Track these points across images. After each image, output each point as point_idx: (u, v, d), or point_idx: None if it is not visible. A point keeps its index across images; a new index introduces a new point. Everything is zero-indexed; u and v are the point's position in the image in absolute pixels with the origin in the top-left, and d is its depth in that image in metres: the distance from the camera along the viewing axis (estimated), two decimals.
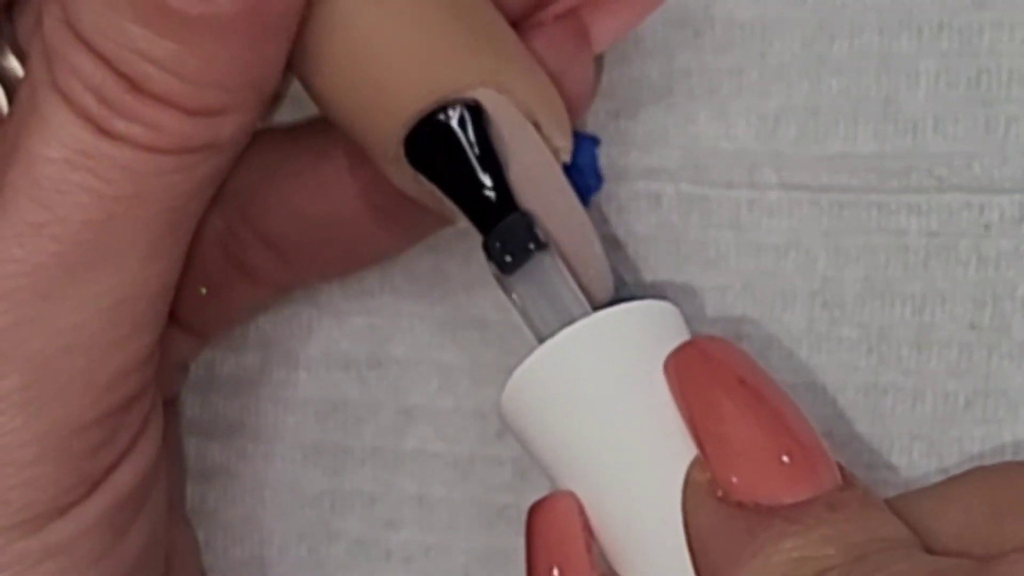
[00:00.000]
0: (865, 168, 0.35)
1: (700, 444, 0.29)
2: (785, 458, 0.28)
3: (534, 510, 0.30)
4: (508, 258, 0.30)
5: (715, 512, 0.28)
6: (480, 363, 0.37)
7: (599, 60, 0.35)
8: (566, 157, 0.31)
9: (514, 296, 0.31)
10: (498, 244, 0.30)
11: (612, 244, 0.36)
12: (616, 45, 0.35)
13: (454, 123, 0.30)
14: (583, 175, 0.34)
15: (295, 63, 0.30)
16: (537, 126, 0.31)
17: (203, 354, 0.39)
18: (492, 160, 0.30)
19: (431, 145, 0.30)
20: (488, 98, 0.30)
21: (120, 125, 0.29)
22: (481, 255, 0.36)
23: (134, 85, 0.29)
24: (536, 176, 0.31)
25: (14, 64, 0.35)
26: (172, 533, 0.35)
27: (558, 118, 0.31)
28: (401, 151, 0.30)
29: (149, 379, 0.31)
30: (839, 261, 0.35)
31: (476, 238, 0.36)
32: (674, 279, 0.36)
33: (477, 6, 0.31)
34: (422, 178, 0.31)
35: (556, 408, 0.29)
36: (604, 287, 0.32)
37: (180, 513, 0.37)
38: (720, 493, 0.28)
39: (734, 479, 0.28)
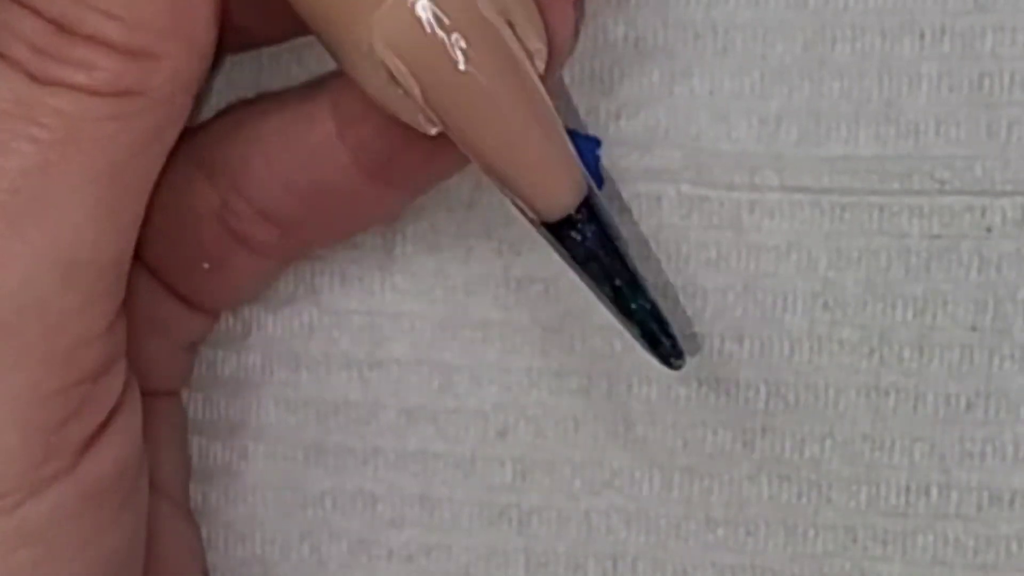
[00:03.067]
0: (866, 170, 0.35)
1: None
2: None
3: None
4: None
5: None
6: (481, 363, 0.37)
7: (582, 17, 0.35)
8: (541, 63, 0.31)
9: None
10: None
11: None
12: (616, 47, 0.35)
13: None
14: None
15: None
16: (512, 26, 0.31)
17: (205, 353, 0.39)
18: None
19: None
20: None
21: (53, 69, 0.29)
22: (481, 255, 0.36)
23: (63, 28, 0.29)
24: None
25: None
26: (175, 530, 0.35)
27: (533, 20, 0.31)
28: (374, 48, 0.30)
29: (115, 354, 0.31)
30: (840, 263, 0.35)
31: (478, 236, 0.36)
32: (675, 280, 0.36)
33: None
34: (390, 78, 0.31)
35: None
36: None
37: (184, 510, 0.38)
38: None
39: None
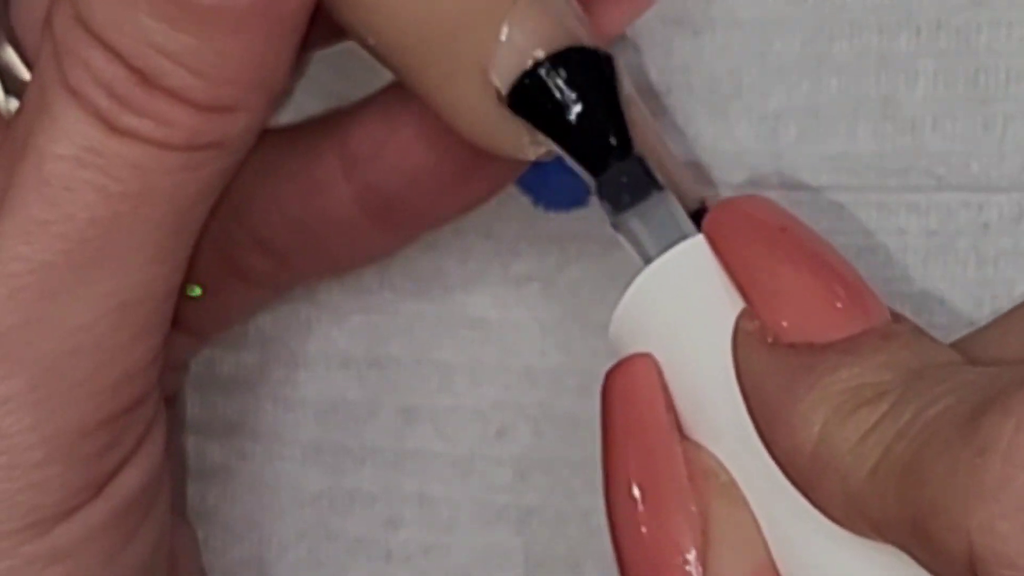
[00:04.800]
0: (864, 167, 0.35)
1: (746, 294, 0.28)
2: (834, 296, 0.28)
3: (612, 373, 0.30)
4: (627, 199, 0.30)
5: (767, 356, 0.28)
6: (479, 362, 0.37)
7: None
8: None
9: (625, 231, 0.30)
10: (617, 186, 0.30)
11: (611, 243, 0.36)
12: (614, 45, 0.35)
13: (579, 69, 0.30)
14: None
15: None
16: None
17: (203, 353, 0.39)
18: (617, 105, 0.30)
19: (545, 92, 0.30)
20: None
21: (130, 120, 0.29)
22: (479, 253, 0.36)
23: (146, 80, 0.29)
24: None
25: (10, 55, 0.35)
26: (174, 533, 0.35)
27: None
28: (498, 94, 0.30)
29: (153, 382, 0.31)
30: None
31: (476, 235, 0.36)
32: None
33: None
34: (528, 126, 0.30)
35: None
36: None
37: (181, 513, 0.38)
38: (770, 339, 0.28)
39: (784, 322, 0.28)
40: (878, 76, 0.35)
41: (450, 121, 0.30)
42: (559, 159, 0.31)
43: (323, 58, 0.35)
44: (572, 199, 0.36)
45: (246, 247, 0.34)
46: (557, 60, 0.30)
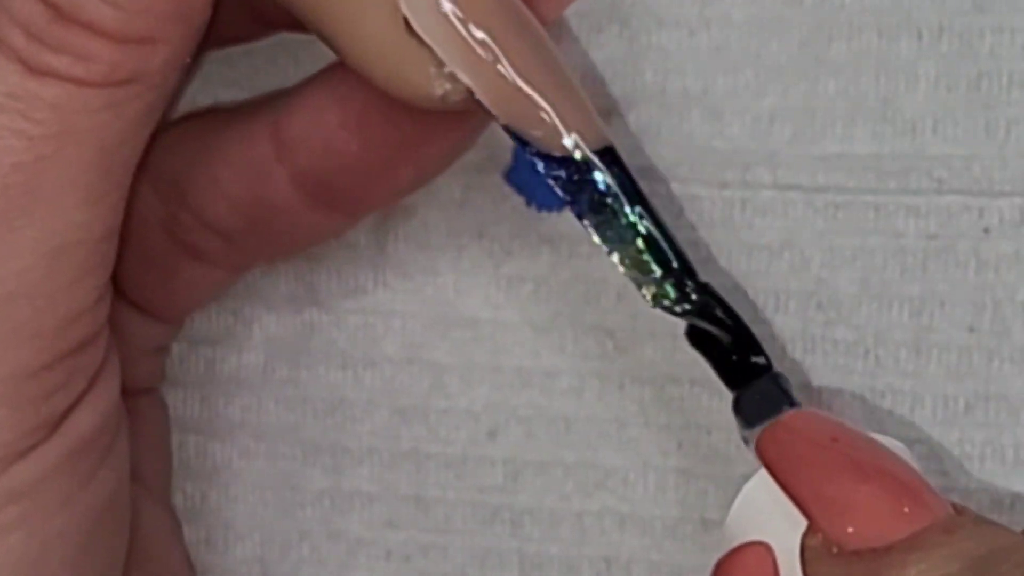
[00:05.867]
0: (862, 169, 0.35)
1: (805, 510, 0.29)
2: (896, 499, 0.29)
3: (723, 564, 0.31)
4: (762, 414, 0.31)
5: (834, 568, 0.29)
6: (471, 363, 0.37)
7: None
8: None
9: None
10: (754, 401, 0.32)
11: None
12: (609, 44, 0.35)
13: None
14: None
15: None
16: None
17: (204, 352, 0.39)
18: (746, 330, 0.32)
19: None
20: None
21: (48, 58, 0.29)
22: (471, 253, 0.36)
23: (62, 14, 0.29)
24: None
25: None
26: (153, 519, 0.35)
27: None
28: None
29: (100, 323, 0.31)
30: (834, 262, 0.35)
31: (469, 235, 0.36)
32: None
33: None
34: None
35: None
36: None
37: (164, 502, 0.38)
38: (835, 550, 0.29)
39: (849, 529, 0.29)
40: (877, 78, 0.35)
41: (358, 59, 0.30)
42: (548, 159, 0.31)
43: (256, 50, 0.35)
44: (564, 200, 0.36)
45: (194, 229, 0.34)
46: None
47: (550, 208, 0.36)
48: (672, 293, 0.31)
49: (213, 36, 0.32)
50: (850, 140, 0.35)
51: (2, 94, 0.29)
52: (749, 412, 0.31)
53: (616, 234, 0.31)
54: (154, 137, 0.32)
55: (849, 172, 0.35)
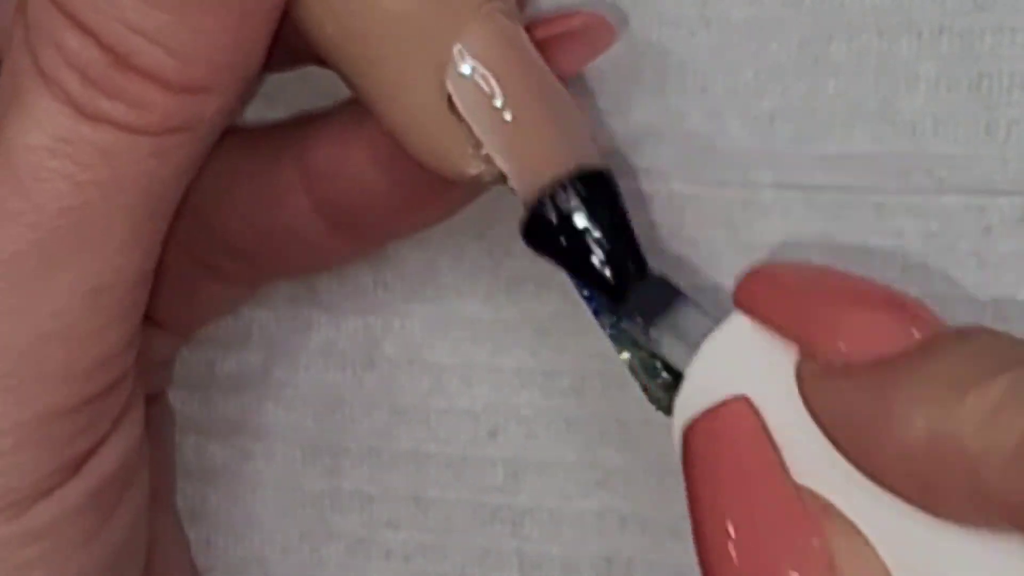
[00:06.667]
0: (862, 169, 0.35)
1: (800, 337, 0.28)
2: (893, 306, 0.27)
3: (703, 419, 0.28)
4: (653, 317, 0.30)
5: (841, 384, 0.27)
6: (472, 363, 0.37)
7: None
8: None
9: (646, 338, 0.30)
10: (641, 306, 0.30)
11: None
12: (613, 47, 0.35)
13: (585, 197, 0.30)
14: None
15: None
16: None
17: (203, 353, 0.39)
18: (629, 228, 0.31)
19: (554, 226, 0.30)
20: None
21: (102, 104, 0.29)
22: (472, 254, 0.36)
23: (119, 60, 0.29)
24: None
25: None
26: (159, 527, 0.35)
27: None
28: (451, 69, 0.30)
29: (129, 366, 0.31)
30: (834, 262, 0.35)
31: (469, 235, 0.36)
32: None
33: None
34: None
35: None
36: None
37: (169, 508, 0.38)
38: (839, 367, 0.27)
39: (847, 344, 0.27)
40: (877, 79, 0.35)
41: (396, 126, 0.31)
42: None
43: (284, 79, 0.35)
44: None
45: (215, 249, 0.34)
46: (567, 187, 0.30)
47: None
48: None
49: None
50: (850, 140, 0.35)
51: (52, 137, 0.29)
52: (645, 310, 0.30)
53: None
54: None
55: (849, 172, 0.35)
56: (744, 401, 0.28)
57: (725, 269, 0.36)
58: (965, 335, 0.27)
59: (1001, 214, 0.34)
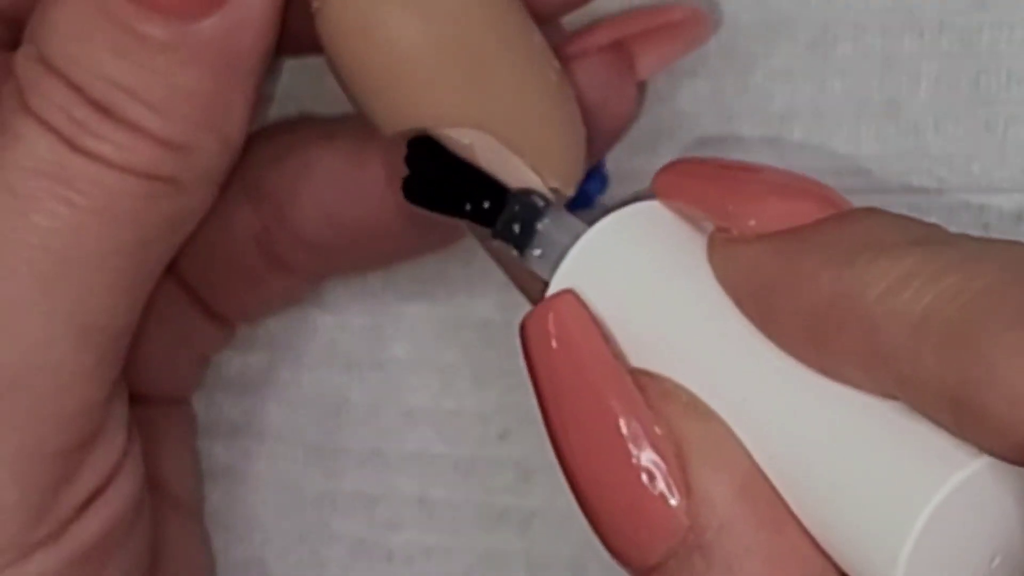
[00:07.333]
0: (867, 169, 0.35)
1: (717, 207, 0.28)
2: (806, 183, 0.28)
3: (534, 314, 0.28)
4: (525, 236, 0.30)
5: (753, 248, 0.27)
6: (481, 364, 0.37)
7: (642, 87, 0.35)
8: (568, 192, 0.31)
9: (533, 257, 0.30)
10: (512, 228, 0.30)
11: None
12: None
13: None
14: (589, 178, 0.34)
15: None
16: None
17: None
18: (470, 169, 0.30)
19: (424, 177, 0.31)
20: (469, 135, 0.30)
21: (91, 143, 0.29)
22: (482, 255, 0.36)
23: (105, 110, 0.29)
24: None
25: None
26: (182, 532, 0.35)
27: (551, 162, 0.31)
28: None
29: (112, 424, 0.31)
30: None
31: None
32: None
33: (489, 51, 0.31)
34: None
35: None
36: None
37: (194, 512, 0.38)
38: (754, 230, 0.27)
39: (765, 213, 0.27)
40: (881, 78, 0.35)
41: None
42: None
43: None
44: (576, 200, 0.36)
45: (287, 243, 0.35)
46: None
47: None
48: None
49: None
50: (856, 141, 0.35)
51: (47, 162, 0.29)
52: (515, 237, 0.30)
53: None
54: (247, 148, 0.32)
55: (856, 172, 0.35)
56: (569, 294, 0.28)
57: None
58: (879, 210, 0.27)
59: (999, 211, 0.35)
